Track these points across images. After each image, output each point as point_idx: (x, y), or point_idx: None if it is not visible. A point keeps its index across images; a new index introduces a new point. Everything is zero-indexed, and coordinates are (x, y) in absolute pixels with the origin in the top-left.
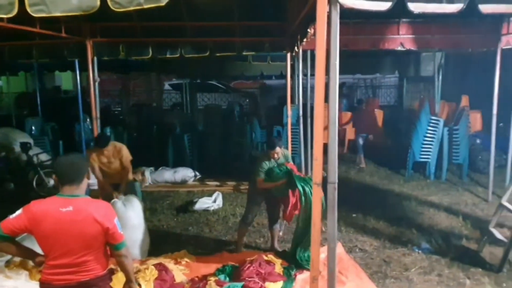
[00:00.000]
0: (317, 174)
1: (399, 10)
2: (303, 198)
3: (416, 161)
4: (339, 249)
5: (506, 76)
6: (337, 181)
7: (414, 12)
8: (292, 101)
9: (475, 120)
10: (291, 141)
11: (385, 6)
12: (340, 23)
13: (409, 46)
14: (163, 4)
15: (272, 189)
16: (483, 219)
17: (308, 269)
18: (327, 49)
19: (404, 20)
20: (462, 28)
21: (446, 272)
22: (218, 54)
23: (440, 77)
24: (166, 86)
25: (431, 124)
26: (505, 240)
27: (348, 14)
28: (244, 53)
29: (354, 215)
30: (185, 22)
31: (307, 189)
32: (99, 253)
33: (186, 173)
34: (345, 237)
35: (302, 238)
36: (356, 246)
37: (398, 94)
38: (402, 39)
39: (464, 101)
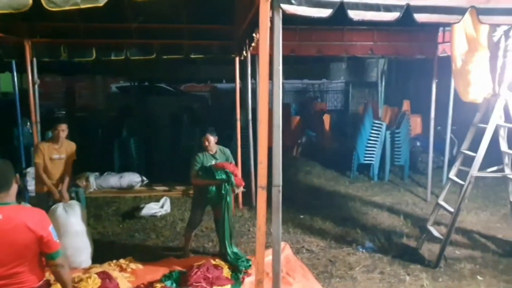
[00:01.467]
0: (262, 178)
1: (340, 17)
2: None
3: (361, 163)
4: (287, 250)
5: (443, 83)
6: (281, 184)
7: (354, 19)
8: (243, 105)
9: (416, 123)
10: (241, 145)
11: (326, 12)
12: (287, 29)
13: (353, 52)
14: (101, 4)
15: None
16: (422, 217)
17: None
18: (271, 54)
19: (348, 27)
20: (403, 36)
21: (388, 270)
22: (165, 57)
23: (383, 83)
24: (114, 89)
25: (374, 128)
26: (441, 237)
27: (294, 21)
28: (192, 56)
29: (301, 216)
30: (130, 24)
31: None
32: (33, 264)
33: (133, 178)
34: (292, 238)
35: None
36: (303, 247)
37: (344, 98)
38: (346, 45)
39: (406, 105)
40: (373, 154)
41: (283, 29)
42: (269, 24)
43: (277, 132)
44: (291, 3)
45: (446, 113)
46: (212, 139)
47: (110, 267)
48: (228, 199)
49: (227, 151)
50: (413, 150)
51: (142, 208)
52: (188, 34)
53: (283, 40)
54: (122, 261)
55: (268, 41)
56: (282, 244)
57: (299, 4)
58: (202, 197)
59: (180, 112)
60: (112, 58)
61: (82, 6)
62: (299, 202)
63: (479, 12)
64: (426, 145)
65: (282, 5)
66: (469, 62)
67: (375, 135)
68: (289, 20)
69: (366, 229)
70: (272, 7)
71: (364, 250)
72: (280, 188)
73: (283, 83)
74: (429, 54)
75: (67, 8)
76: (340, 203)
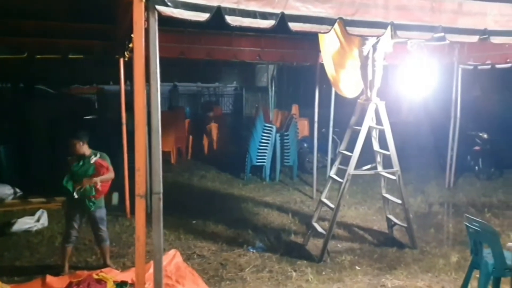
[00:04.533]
0: (140, 186)
1: (220, 22)
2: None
3: (254, 165)
4: (177, 258)
5: (327, 88)
6: (162, 191)
7: (232, 25)
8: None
9: (303, 126)
10: (127, 150)
11: (203, 17)
12: (175, 31)
13: (242, 58)
14: None
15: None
16: (309, 214)
17: None
18: (147, 56)
19: (236, 32)
20: (288, 43)
21: (276, 268)
22: (38, 56)
23: (273, 88)
24: None
25: (265, 131)
26: (324, 232)
27: (182, 23)
28: (70, 56)
29: (194, 221)
30: None
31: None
32: None
33: (3, 191)
34: (184, 244)
35: None
36: (195, 253)
37: (239, 102)
38: (235, 50)
39: (294, 109)
40: (264, 156)
41: (170, 31)
42: (143, 25)
43: (156, 137)
44: (167, 5)
45: (329, 117)
46: (78, 143)
47: None
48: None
49: (103, 154)
50: (301, 151)
51: (14, 223)
52: (65, 33)
53: (170, 42)
54: None
55: (143, 42)
56: (173, 251)
57: (175, 6)
58: (75, 207)
59: (62, 117)
60: None
61: None
62: (192, 207)
63: (346, 23)
64: (312, 146)
65: (158, 7)
66: (340, 65)
67: (266, 138)
68: (177, 22)
69: (257, 230)
70: (147, 9)
71: (254, 251)
72: (161, 195)
73: (177, 86)
74: (312, 61)
75: None
76: (233, 206)
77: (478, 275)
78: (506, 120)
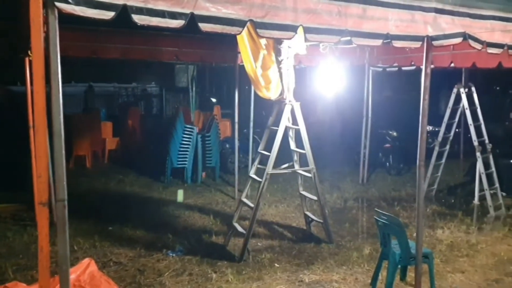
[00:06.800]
0: (42, 193)
1: (128, 21)
2: None
3: (175, 167)
4: (92, 267)
5: (249, 89)
6: (66, 198)
7: (139, 24)
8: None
9: (225, 127)
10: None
11: (108, 15)
12: (87, 30)
13: (159, 58)
14: None
15: None
16: (230, 215)
17: None
18: (47, 55)
19: (152, 32)
20: (206, 44)
21: (196, 270)
22: None
23: (194, 88)
24: None
25: (186, 132)
26: (245, 232)
27: (95, 22)
28: None
29: (110, 227)
30: None
31: None
32: None
33: None
34: (99, 252)
35: None
36: (111, 260)
37: (159, 103)
38: (151, 50)
39: (216, 110)
40: (186, 158)
41: (81, 29)
42: (41, 23)
43: (59, 141)
44: (67, 2)
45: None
46: None
47: None
48: None
49: None
50: (223, 152)
51: None
52: None
53: (82, 41)
54: None
55: (42, 41)
56: (87, 260)
57: (77, 3)
58: None
59: None
60: None
61: None
62: (109, 213)
63: (257, 25)
64: (235, 147)
65: (57, 4)
66: (260, 67)
67: (187, 139)
68: (88, 21)
69: (177, 233)
70: (45, 5)
71: (174, 254)
72: (66, 202)
73: (93, 87)
74: (231, 62)
75: None
76: (153, 210)
77: (387, 265)
78: (413, 119)
